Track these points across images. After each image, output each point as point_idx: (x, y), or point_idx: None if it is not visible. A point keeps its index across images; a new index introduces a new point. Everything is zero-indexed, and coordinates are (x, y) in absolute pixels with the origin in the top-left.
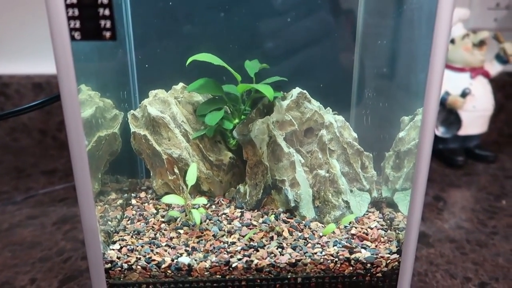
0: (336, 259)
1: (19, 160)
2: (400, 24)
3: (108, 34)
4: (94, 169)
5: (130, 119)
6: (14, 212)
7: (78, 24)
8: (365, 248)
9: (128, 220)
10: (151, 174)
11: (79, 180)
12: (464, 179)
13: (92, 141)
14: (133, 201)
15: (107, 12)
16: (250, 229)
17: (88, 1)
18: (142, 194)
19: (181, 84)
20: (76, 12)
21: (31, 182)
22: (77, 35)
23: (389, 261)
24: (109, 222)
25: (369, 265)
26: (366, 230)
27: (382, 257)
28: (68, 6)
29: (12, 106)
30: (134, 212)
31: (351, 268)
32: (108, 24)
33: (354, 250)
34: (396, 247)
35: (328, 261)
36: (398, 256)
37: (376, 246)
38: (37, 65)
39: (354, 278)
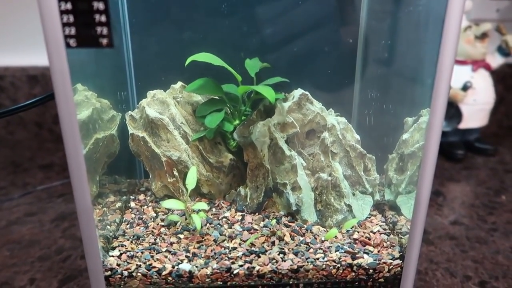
0: (339, 265)
1: (16, 154)
2: (405, 24)
3: (105, 41)
4: (91, 172)
5: (128, 121)
6: (12, 209)
7: (73, 31)
8: (367, 254)
9: (127, 224)
10: (150, 176)
11: (77, 190)
12: (463, 173)
13: (89, 144)
14: (132, 204)
15: (103, 18)
16: (251, 233)
17: (83, 7)
18: (141, 197)
19: (179, 83)
20: (72, 19)
21: (28, 177)
22: (72, 42)
23: (391, 266)
24: (108, 227)
25: (371, 270)
26: (369, 234)
27: (384, 263)
28: (62, 12)
29: (7, 99)
30: (133, 215)
31: (353, 274)
32: (105, 31)
33: (357, 255)
34: (399, 252)
35: (330, 267)
36: (401, 261)
37: (378, 251)
38: (32, 57)
39: (356, 283)
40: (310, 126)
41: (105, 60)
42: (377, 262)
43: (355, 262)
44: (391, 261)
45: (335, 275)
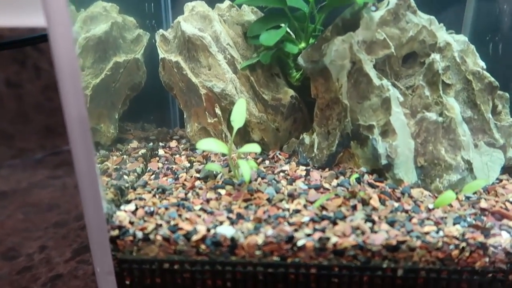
0: (464, 244)
1: (51, 120)
2: None
3: None
4: (108, 106)
5: (158, 42)
6: (36, 171)
7: None
8: (508, 232)
9: (151, 175)
10: (185, 117)
11: (70, 112)
12: None
13: (107, 68)
14: (161, 152)
15: None
16: (322, 193)
17: None
18: (173, 144)
19: (227, 2)
20: None
21: (59, 140)
22: None
23: None
24: (125, 176)
25: None
26: (504, 204)
27: None
28: None
29: (46, 61)
30: (160, 164)
31: (486, 259)
32: None
33: (490, 232)
34: None
35: (450, 247)
36: None
37: None
38: None
39: (490, 275)
40: (411, 46)
41: None
42: None
43: (490, 241)
44: None
45: (456, 260)
